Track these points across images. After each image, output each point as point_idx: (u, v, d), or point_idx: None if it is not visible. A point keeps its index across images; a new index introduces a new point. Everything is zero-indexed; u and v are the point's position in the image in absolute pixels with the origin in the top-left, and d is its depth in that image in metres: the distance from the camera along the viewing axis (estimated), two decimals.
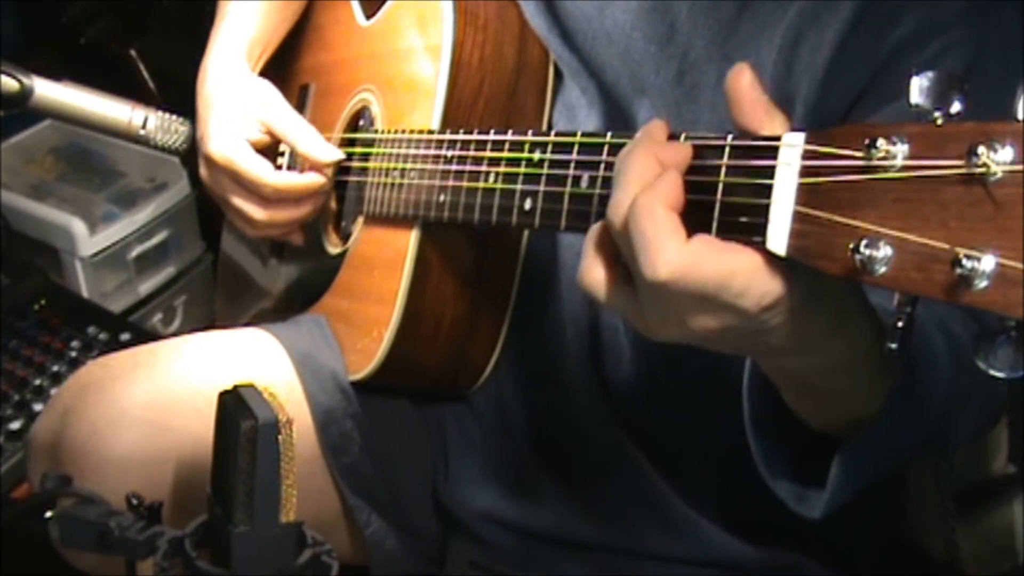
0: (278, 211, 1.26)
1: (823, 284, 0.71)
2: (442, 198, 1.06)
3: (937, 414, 0.88)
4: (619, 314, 0.78)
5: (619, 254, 0.75)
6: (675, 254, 0.69)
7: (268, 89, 1.29)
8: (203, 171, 1.30)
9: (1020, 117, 0.58)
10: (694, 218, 0.72)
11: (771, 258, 0.70)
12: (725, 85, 0.74)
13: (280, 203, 1.26)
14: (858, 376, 0.79)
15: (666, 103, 1.06)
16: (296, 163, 1.35)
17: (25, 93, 1.29)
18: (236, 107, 1.26)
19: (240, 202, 1.26)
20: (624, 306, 0.76)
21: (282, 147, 1.37)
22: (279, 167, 1.33)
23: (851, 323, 0.76)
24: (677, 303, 0.72)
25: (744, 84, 0.74)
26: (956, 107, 0.63)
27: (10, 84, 1.29)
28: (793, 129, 0.71)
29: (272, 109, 1.27)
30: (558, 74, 1.18)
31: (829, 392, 0.81)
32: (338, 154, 1.24)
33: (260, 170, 1.24)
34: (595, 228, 0.77)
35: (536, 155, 0.93)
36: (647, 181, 0.72)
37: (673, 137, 0.77)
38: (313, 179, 1.25)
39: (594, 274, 0.77)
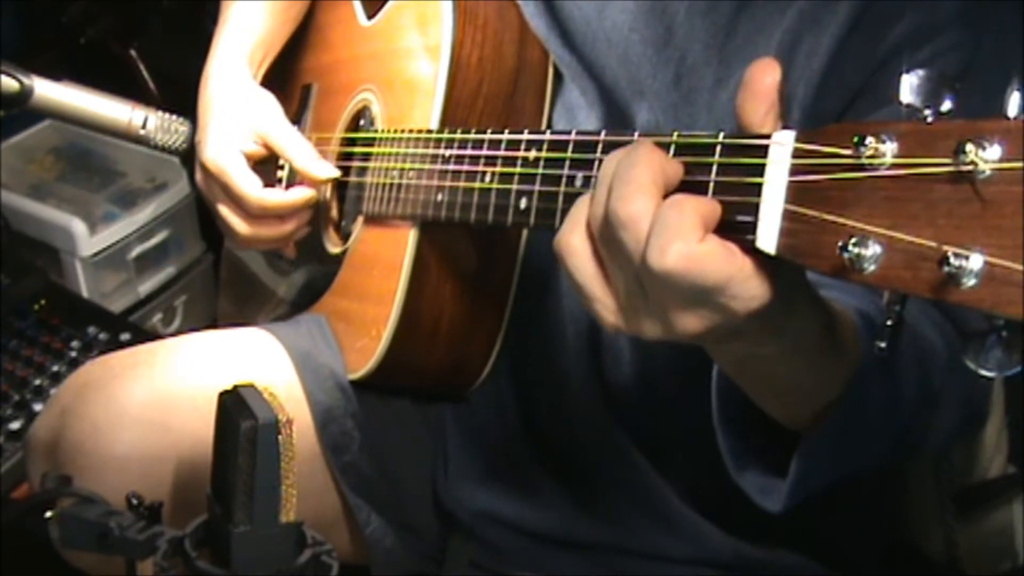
0: (261, 228, 1.25)
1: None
2: (440, 197, 1.06)
3: (903, 414, 0.88)
4: (588, 297, 0.76)
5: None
6: (686, 245, 0.68)
7: (268, 101, 1.28)
8: (198, 176, 1.29)
9: (1011, 114, 0.58)
10: None
11: (761, 261, 0.69)
12: (747, 72, 0.72)
13: (264, 219, 1.25)
14: (812, 363, 0.79)
15: (663, 106, 1.06)
16: (296, 177, 1.34)
17: (25, 93, 1.29)
18: (235, 117, 1.26)
19: (227, 213, 1.26)
20: (602, 290, 0.75)
21: (282, 160, 1.37)
22: (279, 180, 1.33)
23: (799, 306, 0.75)
24: (667, 297, 0.71)
25: (767, 81, 0.71)
26: (947, 105, 0.63)
27: (10, 84, 1.28)
28: (783, 127, 0.71)
29: (269, 123, 1.26)
30: (558, 75, 1.18)
31: (786, 383, 0.80)
32: (333, 172, 1.24)
33: (247, 185, 1.23)
34: (585, 198, 0.75)
35: (532, 154, 0.93)
36: (655, 174, 0.71)
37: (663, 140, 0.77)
38: (299, 196, 1.24)
39: (573, 241, 0.75)
